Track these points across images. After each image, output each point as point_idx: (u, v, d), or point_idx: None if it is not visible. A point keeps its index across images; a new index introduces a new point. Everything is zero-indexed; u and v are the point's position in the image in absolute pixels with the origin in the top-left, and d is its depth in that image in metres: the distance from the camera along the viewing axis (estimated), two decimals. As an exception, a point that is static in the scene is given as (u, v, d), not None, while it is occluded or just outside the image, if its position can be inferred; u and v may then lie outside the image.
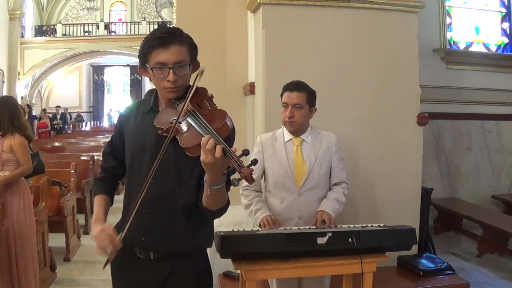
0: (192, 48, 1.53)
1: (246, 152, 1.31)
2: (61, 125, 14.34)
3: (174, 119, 1.46)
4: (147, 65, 1.50)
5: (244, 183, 2.36)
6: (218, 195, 1.44)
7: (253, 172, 1.30)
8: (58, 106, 16.07)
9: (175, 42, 1.47)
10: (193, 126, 1.42)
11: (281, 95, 2.34)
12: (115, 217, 1.71)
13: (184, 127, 1.45)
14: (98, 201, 1.65)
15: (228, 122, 1.45)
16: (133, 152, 1.59)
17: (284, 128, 2.38)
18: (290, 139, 2.35)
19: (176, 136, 1.44)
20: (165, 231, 1.55)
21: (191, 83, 1.51)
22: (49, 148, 8.08)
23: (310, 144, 2.35)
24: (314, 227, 2.16)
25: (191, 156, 1.43)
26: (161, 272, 1.59)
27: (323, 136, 2.39)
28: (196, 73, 1.47)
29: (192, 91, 1.45)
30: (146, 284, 1.60)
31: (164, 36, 1.47)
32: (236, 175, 1.32)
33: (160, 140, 1.49)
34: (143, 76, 14.79)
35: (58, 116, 14.74)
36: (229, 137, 1.44)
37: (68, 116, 18.65)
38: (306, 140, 2.35)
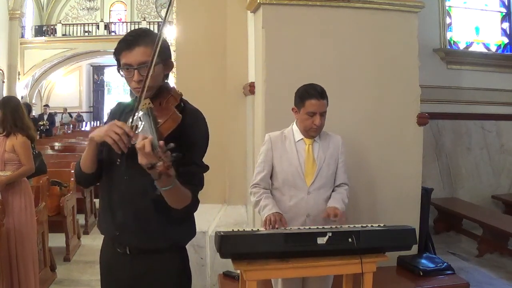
0: (161, 49, 1.52)
1: (169, 147, 1.29)
2: (48, 127, 12.40)
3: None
4: (119, 67, 1.56)
5: (253, 181, 2.38)
6: (173, 195, 1.45)
7: (170, 166, 1.29)
8: (46, 105, 14.40)
9: (140, 44, 1.51)
10: (142, 124, 1.43)
11: (303, 101, 2.28)
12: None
13: (140, 125, 1.45)
14: None
15: (173, 116, 1.44)
16: (112, 152, 1.58)
17: (294, 127, 2.39)
18: (301, 139, 2.36)
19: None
20: (137, 227, 1.57)
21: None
22: (49, 148, 8.09)
23: (320, 143, 2.37)
24: (315, 227, 2.16)
25: None
26: (138, 267, 1.60)
27: (330, 137, 2.41)
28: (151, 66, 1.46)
29: (145, 89, 1.46)
30: (125, 279, 1.62)
31: (129, 38, 1.52)
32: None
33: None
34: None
35: (45, 117, 12.69)
36: (185, 128, 1.44)
37: (67, 116, 18.63)
38: (316, 140, 2.37)
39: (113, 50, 1.57)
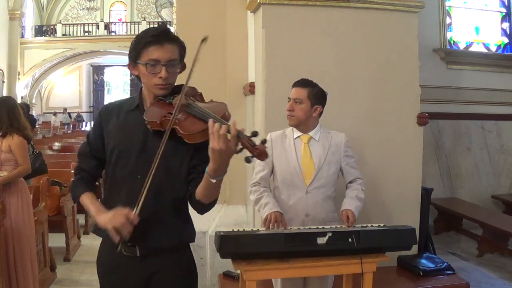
0: (182, 49, 1.59)
1: (255, 133, 1.32)
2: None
3: (169, 113, 1.49)
4: (139, 61, 1.54)
5: (253, 180, 2.38)
6: (217, 187, 1.46)
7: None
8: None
9: (169, 41, 1.53)
10: (192, 115, 1.46)
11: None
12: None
13: (181, 118, 1.48)
14: (89, 198, 1.62)
15: (227, 113, 1.50)
16: (119, 149, 1.60)
17: None
18: (298, 136, 2.36)
19: (175, 127, 1.46)
20: (152, 226, 1.56)
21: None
22: (48, 148, 8.09)
23: (319, 142, 2.36)
24: (315, 227, 2.16)
25: (179, 153, 1.50)
26: (147, 269, 1.60)
27: (332, 135, 2.40)
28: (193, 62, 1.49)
29: (188, 81, 1.50)
30: (132, 283, 1.61)
31: (159, 34, 1.53)
32: (247, 154, 1.33)
33: (149, 136, 1.54)
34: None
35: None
36: None
37: (66, 116, 18.60)
38: (314, 138, 2.36)
39: (136, 45, 1.55)
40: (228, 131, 1.30)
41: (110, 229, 1.46)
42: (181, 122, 1.47)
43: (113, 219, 1.46)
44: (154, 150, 1.48)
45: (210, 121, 1.33)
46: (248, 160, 1.32)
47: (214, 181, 1.40)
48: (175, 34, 1.58)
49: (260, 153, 1.31)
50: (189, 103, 1.51)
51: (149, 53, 1.51)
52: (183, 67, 1.60)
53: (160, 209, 1.57)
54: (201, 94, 1.61)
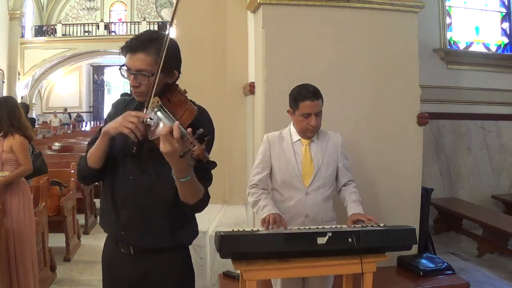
0: (166, 60, 1.47)
1: (199, 132, 1.29)
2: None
3: (149, 118, 1.48)
4: None
5: (251, 182, 2.38)
6: (189, 187, 1.45)
7: (205, 150, 1.29)
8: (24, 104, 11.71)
9: (141, 50, 1.48)
10: (160, 119, 1.44)
11: (296, 103, 2.27)
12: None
13: (154, 122, 1.46)
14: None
15: (190, 109, 1.45)
16: (116, 148, 1.60)
17: (292, 128, 2.38)
18: (299, 140, 2.35)
19: (147, 131, 1.46)
20: (143, 227, 1.57)
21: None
22: (47, 148, 8.09)
23: (318, 144, 2.35)
24: (315, 227, 2.16)
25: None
26: (141, 267, 1.61)
27: (329, 136, 2.40)
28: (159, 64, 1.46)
29: (154, 87, 1.47)
30: (128, 278, 1.63)
31: (133, 42, 1.50)
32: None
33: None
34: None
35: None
36: (195, 122, 1.40)
37: (66, 116, 18.58)
38: (314, 140, 2.36)
39: (118, 49, 1.57)
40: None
41: (125, 132, 1.45)
42: (151, 129, 1.45)
43: (125, 121, 1.44)
44: (146, 152, 1.48)
45: (161, 125, 1.34)
46: (189, 163, 1.31)
47: (181, 182, 1.40)
48: (154, 42, 1.49)
49: (198, 154, 1.27)
50: (160, 106, 1.46)
51: (126, 59, 1.51)
52: (171, 77, 1.54)
53: (150, 211, 1.57)
54: (180, 92, 1.51)
